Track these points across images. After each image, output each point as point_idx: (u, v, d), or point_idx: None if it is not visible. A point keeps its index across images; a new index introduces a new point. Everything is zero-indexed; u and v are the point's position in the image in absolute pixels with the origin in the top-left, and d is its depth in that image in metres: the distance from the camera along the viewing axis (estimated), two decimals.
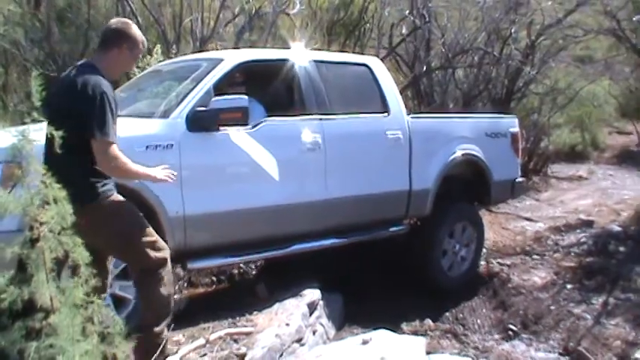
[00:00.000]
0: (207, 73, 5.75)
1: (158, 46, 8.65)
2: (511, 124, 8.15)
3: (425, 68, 13.56)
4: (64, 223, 2.65)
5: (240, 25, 11.68)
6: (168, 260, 4.14)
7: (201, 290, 7.24)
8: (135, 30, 4.09)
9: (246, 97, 5.51)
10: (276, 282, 6.48)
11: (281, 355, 4.84)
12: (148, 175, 4.09)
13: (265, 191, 5.82)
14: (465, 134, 7.47)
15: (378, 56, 13.22)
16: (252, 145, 5.71)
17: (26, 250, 2.58)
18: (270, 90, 6.54)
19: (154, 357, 3.92)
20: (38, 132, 2.71)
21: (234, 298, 6.35)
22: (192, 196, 5.31)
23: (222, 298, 6.79)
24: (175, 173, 4.33)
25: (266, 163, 5.77)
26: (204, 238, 5.55)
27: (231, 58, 6.03)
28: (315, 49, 9.06)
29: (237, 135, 5.62)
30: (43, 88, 2.74)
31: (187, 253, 5.42)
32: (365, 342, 4.85)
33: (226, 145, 5.57)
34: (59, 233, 2.63)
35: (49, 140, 3.28)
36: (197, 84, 5.63)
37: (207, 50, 9.70)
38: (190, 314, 5.58)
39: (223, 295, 7.11)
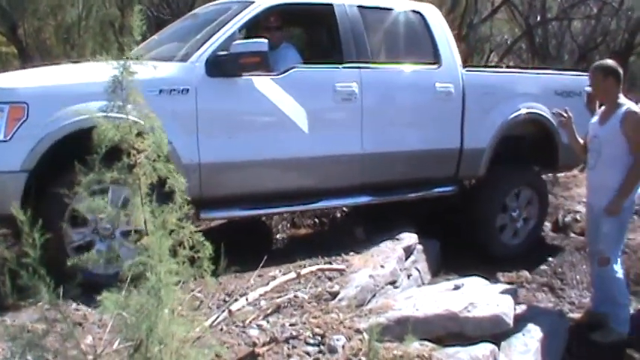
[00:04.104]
0: (234, 16, 5.58)
1: None
2: (588, 82, 7.58)
3: (540, 19, 13.13)
4: (160, 151, 2.78)
5: None
6: None
7: (302, 231, 7.42)
8: None
9: (266, 40, 5.29)
10: (375, 226, 6.51)
11: (373, 296, 4.91)
12: None
13: (290, 142, 5.59)
14: (531, 91, 6.94)
15: (492, 6, 12.86)
16: (278, 93, 5.50)
17: (124, 175, 2.75)
18: (307, 35, 6.29)
19: None
20: (138, 65, 2.83)
21: (332, 240, 6.43)
22: (208, 143, 5.19)
23: (320, 239, 6.90)
24: None
25: (292, 112, 5.55)
26: (221, 188, 5.37)
27: (262, 0, 5.78)
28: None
29: (261, 81, 5.43)
30: (144, 24, 2.86)
31: (202, 203, 5.18)
32: (457, 287, 4.91)
33: (248, 92, 5.39)
34: (154, 161, 2.78)
35: None
36: (222, 27, 5.49)
37: None
38: (288, 252, 5.73)
39: (322, 236, 7.24)
